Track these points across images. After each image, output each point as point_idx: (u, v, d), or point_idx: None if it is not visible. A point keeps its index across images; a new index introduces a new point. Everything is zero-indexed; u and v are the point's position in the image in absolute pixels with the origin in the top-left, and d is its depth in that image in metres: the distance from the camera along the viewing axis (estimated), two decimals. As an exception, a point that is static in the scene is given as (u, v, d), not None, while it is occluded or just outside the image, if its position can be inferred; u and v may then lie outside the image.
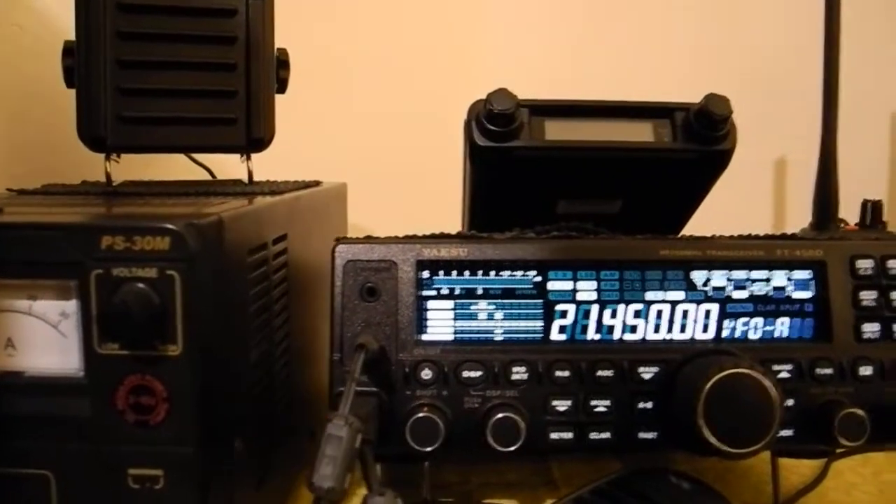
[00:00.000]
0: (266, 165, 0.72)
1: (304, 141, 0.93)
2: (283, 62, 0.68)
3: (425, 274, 0.51)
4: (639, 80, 1.00)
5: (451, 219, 0.73)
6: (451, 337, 0.50)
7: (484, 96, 0.57)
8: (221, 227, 0.42)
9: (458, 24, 1.03)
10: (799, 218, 0.85)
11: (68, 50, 0.64)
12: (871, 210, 0.77)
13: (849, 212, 0.81)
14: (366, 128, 1.02)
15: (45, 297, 0.41)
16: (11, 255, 0.40)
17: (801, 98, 0.88)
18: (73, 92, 0.63)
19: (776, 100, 1.00)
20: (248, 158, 0.67)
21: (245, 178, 0.69)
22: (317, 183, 0.74)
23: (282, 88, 0.69)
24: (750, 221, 0.76)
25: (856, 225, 0.78)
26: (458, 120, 0.60)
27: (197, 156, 0.77)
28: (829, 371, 0.50)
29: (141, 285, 0.39)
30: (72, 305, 0.41)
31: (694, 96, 0.59)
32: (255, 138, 0.66)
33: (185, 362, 0.40)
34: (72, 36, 0.63)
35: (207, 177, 0.79)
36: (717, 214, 0.69)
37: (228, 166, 0.73)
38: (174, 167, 0.77)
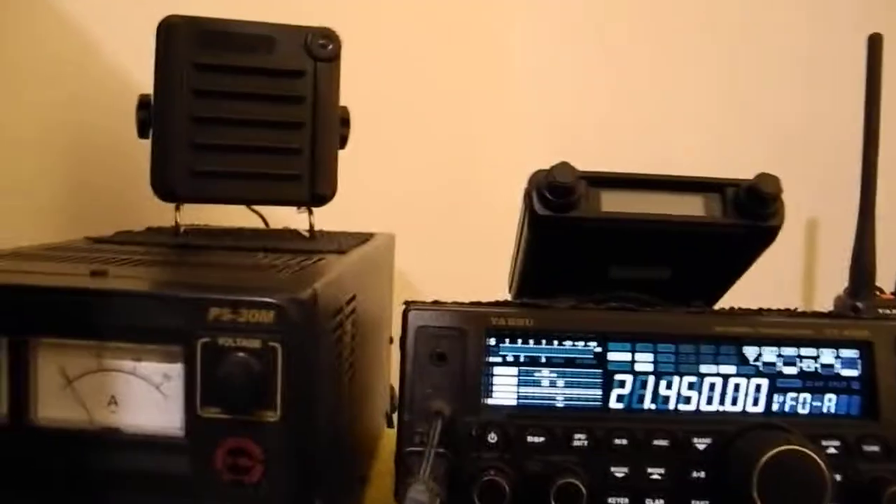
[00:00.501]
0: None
1: (355, 191, 0.96)
2: (345, 120, 0.71)
3: (492, 341, 0.53)
4: (673, 143, 1.03)
5: (489, 268, 0.75)
6: (514, 402, 0.53)
7: (533, 159, 0.59)
8: (316, 299, 0.45)
9: (504, 82, 1.07)
10: (832, 282, 0.87)
11: (143, 104, 0.67)
12: (908, 279, 0.80)
13: (882, 280, 0.83)
14: (409, 178, 1.05)
15: (150, 360, 0.44)
16: (119, 321, 0.43)
17: (833, 159, 0.90)
18: (136, 141, 0.66)
19: (809, 160, 1.03)
20: (311, 213, 0.70)
21: (296, 226, 0.71)
22: (370, 235, 0.77)
23: (342, 145, 0.72)
24: (782, 284, 0.79)
25: (892, 293, 0.80)
26: (496, 176, 0.63)
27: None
28: (876, 448, 0.53)
29: (243, 354, 0.42)
30: (176, 368, 0.43)
31: (728, 159, 0.61)
32: (318, 194, 0.69)
33: (282, 427, 0.42)
34: (138, 89, 0.66)
35: (261, 222, 0.82)
36: (750, 277, 0.72)
37: (279, 212, 0.76)
38: (230, 210, 0.80)
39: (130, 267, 0.52)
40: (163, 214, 0.71)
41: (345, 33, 0.70)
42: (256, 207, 0.82)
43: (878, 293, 0.80)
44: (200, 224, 0.78)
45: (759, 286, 0.66)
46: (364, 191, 1.02)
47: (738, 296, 0.65)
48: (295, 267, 0.53)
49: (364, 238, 0.74)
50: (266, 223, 0.82)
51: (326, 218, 0.80)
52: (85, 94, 0.82)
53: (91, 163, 0.83)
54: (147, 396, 0.44)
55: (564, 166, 0.59)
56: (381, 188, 1.03)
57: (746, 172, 0.60)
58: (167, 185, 0.66)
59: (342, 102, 0.72)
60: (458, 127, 1.06)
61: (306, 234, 0.71)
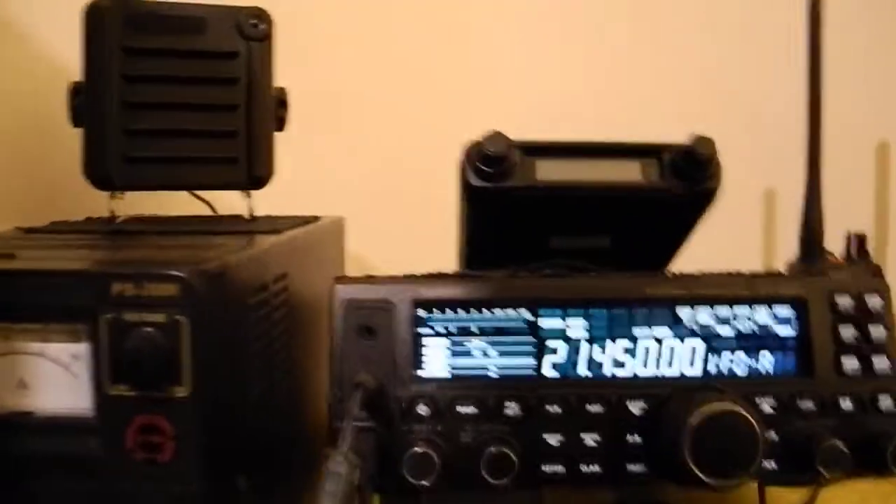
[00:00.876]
0: (267, 200, 0.74)
1: (303, 176, 0.95)
2: (282, 101, 0.71)
3: (421, 312, 0.52)
4: (627, 117, 1.02)
5: (447, 250, 0.75)
6: (447, 374, 0.52)
7: (477, 136, 0.58)
8: (226, 272, 0.44)
9: (455, 61, 1.06)
10: (789, 251, 0.87)
11: (75, 90, 0.66)
12: (856, 242, 0.79)
13: (836, 243, 0.83)
14: (364, 162, 1.04)
15: (58, 340, 0.43)
16: (25, 300, 0.42)
17: (789, 130, 0.90)
18: (76, 130, 0.65)
19: (765, 132, 1.03)
20: (249, 196, 0.69)
21: (245, 212, 0.71)
22: (315, 218, 0.76)
23: (280, 127, 0.71)
24: (740, 253, 0.78)
25: (842, 257, 0.80)
26: (450, 152, 0.62)
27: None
28: (810, 405, 0.52)
29: (150, 330, 0.41)
30: (83, 348, 0.42)
31: (684, 132, 0.61)
32: (256, 176, 0.68)
33: (193, 403, 0.42)
34: (76, 75, 0.65)
35: (209, 211, 0.81)
36: (707, 248, 0.71)
37: (229, 200, 0.75)
38: (176, 200, 0.79)
39: (48, 251, 0.51)
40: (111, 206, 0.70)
41: (287, 12, 0.69)
42: (204, 196, 0.81)
43: (828, 257, 0.79)
44: (144, 215, 0.77)
45: (718, 259, 0.66)
46: (317, 175, 1.02)
47: (695, 268, 0.64)
48: (217, 245, 0.52)
49: (307, 220, 0.73)
50: (214, 210, 0.81)
51: (279, 205, 0.79)
52: (18, 84, 0.81)
53: (27, 154, 0.82)
54: (56, 378, 0.43)
55: (496, 135, 0.58)
56: (336, 172, 1.03)
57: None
58: (101, 172, 0.65)
59: (289, 84, 0.71)
60: (413, 108, 1.05)
61: (248, 219, 0.70)
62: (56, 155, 0.76)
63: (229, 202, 0.76)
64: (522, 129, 0.60)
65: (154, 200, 0.81)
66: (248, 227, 0.65)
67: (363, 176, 1.04)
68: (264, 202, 0.74)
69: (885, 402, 0.53)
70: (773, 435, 0.52)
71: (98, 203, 0.69)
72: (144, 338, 0.41)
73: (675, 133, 0.61)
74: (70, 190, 0.72)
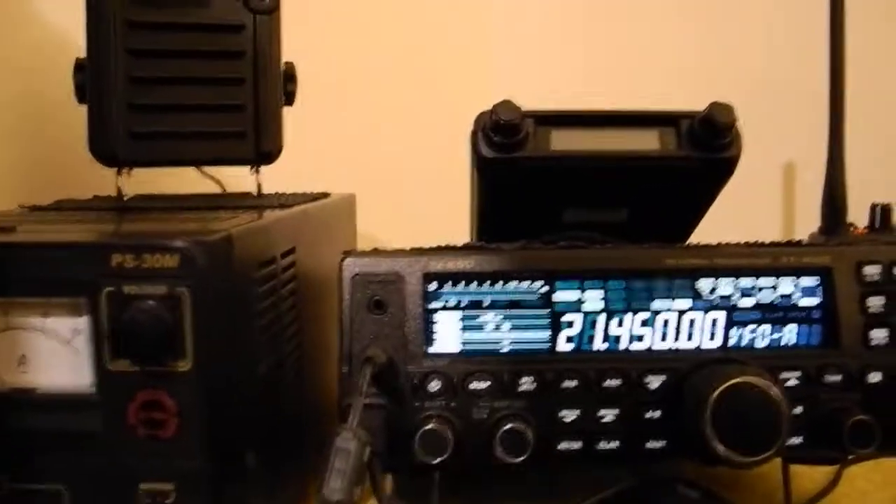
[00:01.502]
0: (277, 178, 0.72)
1: (314, 153, 0.94)
2: (290, 76, 0.69)
3: (432, 286, 0.51)
4: (646, 88, 1.00)
5: (461, 227, 0.73)
6: (458, 348, 0.51)
7: (490, 107, 0.57)
8: (230, 244, 0.43)
9: (466, 34, 1.04)
10: (808, 223, 0.85)
11: (79, 66, 0.65)
12: (881, 214, 0.77)
13: (860, 215, 0.81)
14: (375, 138, 1.03)
15: (58, 315, 0.42)
16: (24, 274, 0.41)
17: (810, 102, 0.87)
18: (84, 108, 0.64)
19: (785, 104, 1.00)
20: (257, 171, 0.68)
21: (255, 190, 0.69)
22: (325, 195, 0.74)
23: (289, 101, 0.69)
24: (759, 227, 0.76)
25: (865, 229, 0.78)
26: (465, 127, 0.61)
27: (208, 169, 0.77)
28: (837, 378, 0.50)
29: (151, 302, 0.40)
30: (84, 322, 0.41)
31: (702, 103, 0.59)
32: (264, 151, 0.67)
33: (195, 377, 0.40)
34: (82, 52, 0.64)
35: (218, 190, 0.80)
36: (726, 221, 0.69)
37: (239, 179, 0.74)
38: (186, 180, 0.78)
39: (49, 225, 0.50)
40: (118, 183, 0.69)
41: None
42: (212, 174, 0.80)
43: (851, 229, 0.77)
44: (152, 193, 0.75)
45: (736, 234, 0.64)
46: (328, 152, 1.00)
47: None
48: (221, 219, 0.51)
49: (316, 197, 0.71)
50: (223, 188, 0.79)
51: (291, 182, 0.78)
52: (21, 60, 0.80)
53: (34, 132, 0.81)
54: (57, 353, 0.42)
55: (508, 104, 0.56)
56: (347, 149, 1.01)
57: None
58: (106, 148, 0.64)
59: (296, 60, 0.69)
60: (425, 81, 1.03)
61: (256, 195, 0.69)
62: (64, 133, 0.74)
63: (240, 181, 0.75)
64: (538, 101, 0.59)
65: (163, 180, 0.80)
66: (256, 202, 0.64)
67: (375, 152, 1.02)
68: (275, 180, 0.73)
69: (915, 375, 0.51)
70: (798, 410, 0.50)
71: (108, 182, 0.68)
72: (144, 311, 0.39)
73: (693, 105, 0.59)
74: (80, 169, 0.71)
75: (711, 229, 0.66)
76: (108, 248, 0.40)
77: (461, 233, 0.70)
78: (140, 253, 0.40)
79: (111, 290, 0.40)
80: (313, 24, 0.99)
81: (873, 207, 0.78)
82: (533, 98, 0.59)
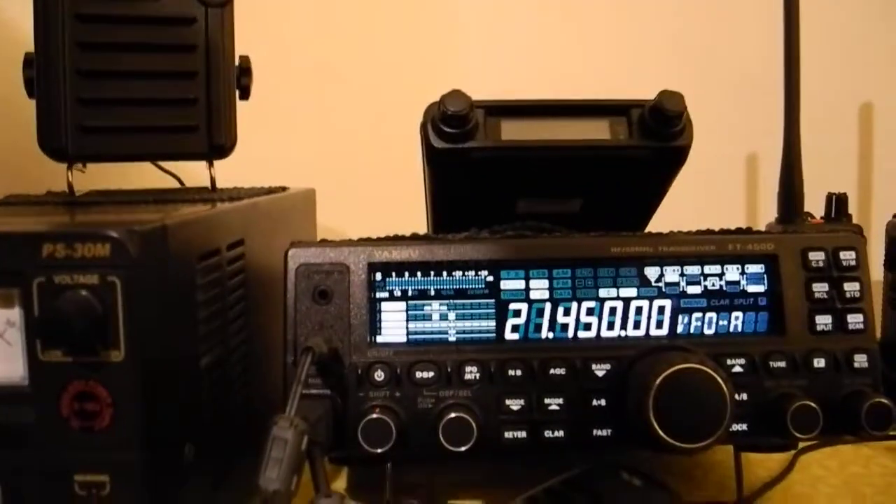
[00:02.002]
0: (236, 173, 0.72)
1: (274, 148, 0.94)
2: (244, 69, 0.69)
3: (377, 276, 0.51)
4: (603, 80, 1.00)
5: (421, 220, 0.73)
6: (404, 338, 0.51)
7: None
8: (165, 233, 0.42)
9: (424, 26, 1.04)
10: (771, 214, 0.85)
11: (28, 61, 0.64)
12: (836, 203, 0.77)
13: (819, 205, 0.81)
14: (336, 132, 1.02)
15: (-10, 306, 0.41)
16: (-45, 266, 0.41)
17: (771, 93, 0.88)
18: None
19: (748, 95, 1.01)
20: (211, 165, 0.68)
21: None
22: (282, 189, 0.74)
23: (244, 95, 0.69)
24: (723, 218, 0.76)
25: (821, 218, 0.78)
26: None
27: (166, 164, 0.77)
28: (782, 364, 0.51)
29: (82, 292, 0.39)
30: (16, 313, 0.41)
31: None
32: (217, 145, 0.66)
33: (129, 368, 0.40)
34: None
35: (176, 185, 0.79)
36: (690, 212, 0.69)
37: (198, 174, 0.73)
38: (147, 176, 0.78)
39: (-11, 218, 0.49)
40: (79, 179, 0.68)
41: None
42: (172, 169, 0.79)
43: (808, 218, 0.77)
44: (105, 189, 0.75)
45: (699, 225, 0.64)
46: (288, 148, 1.00)
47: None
48: (168, 209, 0.50)
49: (272, 190, 0.71)
50: (182, 183, 0.79)
51: (252, 179, 0.78)
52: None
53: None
54: (-9, 345, 0.41)
55: (456, 94, 0.56)
56: (306, 145, 1.01)
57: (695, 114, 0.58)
58: (56, 143, 0.63)
59: (252, 53, 0.69)
60: (379, 74, 1.03)
61: (210, 190, 0.68)
62: (18, 128, 0.74)
63: (200, 177, 0.74)
64: (489, 93, 0.58)
65: (122, 177, 0.80)
66: (209, 196, 0.63)
67: (336, 147, 1.02)
68: (236, 176, 0.73)
69: (859, 360, 0.51)
70: (743, 396, 0.50)
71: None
72: (75, 300, 0.39)
73: (651, 95, 0.60)
74: (37, 165, 0.70)
75: (675, 221, 0.66)
76: (39, 237, 0.39)
77: (422, 227, 0.70)
78: (71, 242, 0.39)
79: (42, 280, 0.40)
80: (271, 18, 0.99)
81: (829, 197, 0.78)
82: (491, 89, 0.59)
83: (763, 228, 0.75)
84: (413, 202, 0.82)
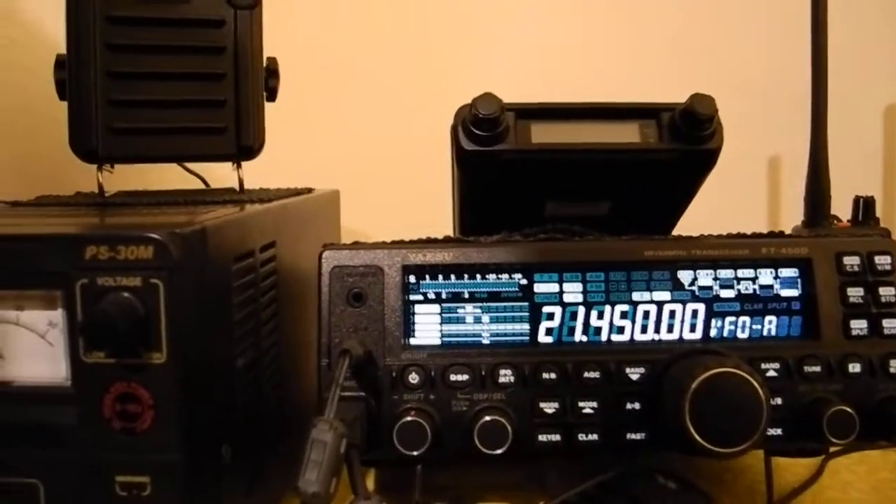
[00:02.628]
0: (261, 174, 0.72)
1: (298, 149, 0.94)
2: (272, 71, 0.69)
3: (412, 278, 0.51)
4: (629, 82, 1.00)
5: (446, 222, 0.73)
6: (438, 341, 0.51)
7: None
8: (205, 236, 0.42)
9: (450, 29, 1.04)
10: (794, 216, 0.85)
11: (60, 63, 0.64)
12: (863, 206, 0.77)
13: (844, 209, 0.81)
14: (360, 134, 1.02)
15: (33, 307, 0.41)
16: (-2, 266, 0.41)
17: (794, 95, 0.87)
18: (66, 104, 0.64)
19: (770, 97, 1.00)
20: (239, 167, 0.68)
21: (238, 186, 0.69)
22: (308, 190, 0.74)
23: (271, 97, 0.69)
24: (745, 220, 0.76)
25: (848, 221, 0.78)
26: (448, 122, 0.61)
27: (191, 165, 0.77)
28: (817, 369, 0.50)
29: (125, 294, 0.40)
30: (59, 315, 0.41)
31: (685, 97, 0.59)
32: (245, 146, 0.66)
33: (170, 369, 0.40)
34: (63, 49, 0.64)
35: (202, 186, 0.79)
36: (711, 214, 0.69)
37: (225, 175, 0.74)
38: (169, 177, 0.78)
39: (26, 219, 0.50)
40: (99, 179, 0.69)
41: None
42: (197, 170, 0.79)
43: (834, 222, 0.77)
44: (134, 189, 0.75)
45: (721, 228, 0.64)
46: (313, 150, 1.00)
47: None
48: (199, 212, 0.51)
49: (299, 192, 0.71)
50: (207, 184, 0.79)
51: (276, 180, 0.78)
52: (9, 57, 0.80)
53: (18, 130, 0.80)
54: (33, 347, 0.42)
55: (488, 97, 0.56)
56: (331, 146, 1.01)
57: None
58: (86, 144, 0.64)
59: (278, 55, 0.69)
60: (406, 76, 1.03)
61: (238, 191, 0.69)
62: (49, 130, 0.74)
63: (225, 179, 0.75)
64: (519, 95, 0.59)
65: (148, 178, 0.80)
66: (237, 197, 0.64)
67: (359, 149, 1.02)
68: (260, 177, 0.73)
69: (895, 365, 0.51)
70: (777, 401, 0.50)
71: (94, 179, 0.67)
72: (118, 302, 0.39)
73: (679, 100, 0.59)
74: (66, 166, 0.70)
75: (697, 223, 0.66)
76: (82, 239, 0.40)
77: (445, 229, 0.70)
78: (114, 244, 0.40)
79: (85, 282, 0.40)
80: (297, 20, 0.99)
81: (856, 200, 0.78)
82: (516, 92, 0.59)
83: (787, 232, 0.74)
84: (434, 204, 0.83)
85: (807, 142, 0.81)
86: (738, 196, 0.96)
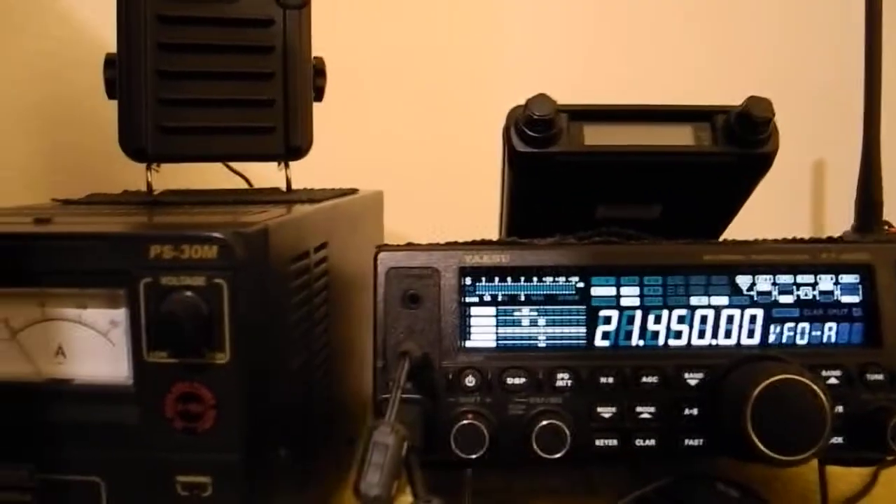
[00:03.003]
0: (304, 174, 0.72)
1: (341, 149, 0.94)
2: (319, 71, 0.69)
3: (468, 280, 0.50)
4: (678, 84, 0.99)
5: (486, 224, 0.73)
6: (494, 344, 0.50)
7: (521, 101, 0.56)
8: (267, 236, 0.42)
9: (494, 30, 1.03)
10: (839, 222, 0.84)
11: (109, 62, 0.65)
12: (917, 212, 0.76)
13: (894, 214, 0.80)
14: (402, 135, 1.02)
15: (95, 306, 0.41)
16: (61, 265, 0.41)
17: (839, 99, 0.86)
18: (114, 103, 0.64)
19: (814, 101, 0.99)
20: (287, 167, 0.68)
21: (282, 186, 0.69)
22: (354, 191, 0.74)
23: (319, 97, 0.69)
24: (789, 225, 0.75)
25: (902, 227, 0.77)
26: (491, 124, 0.60)
27: (234, 165, 0.77)
28: (879, 377, 0.50)
29: (189, 293, 0.40)
30: (121, 314, 0.41)
31: (734, 100, 0.58)
32: (294, 146, 0.66)
33: (233, 370, 0.40)
34: (111, 48, 0.64)
35: (244, 185, 0.79)
36: (755, 219, 0.68)
37: (266, 175, 0.74)
38: (211, 175, 0.78)
39: (84, 217, 0.50)
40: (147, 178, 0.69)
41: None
42: (239, 170, 0.79)
43: (886, 227, 0.76)
44: (181, 188, 0.75)
45: (765, 233, 0.63)
46: (355, 149, 1.00)
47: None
48: (255, 212, 0.50)
49: (345, 192, 0.71)
50: (250, 184, 0.79)
51: (317, 179, 0.78)
52: (51, 58, 0.80)
53: (67, 128, 0.81)
54: (94, 345, 0.42)
55: (542, 98, 0.56)
56: (375, 146, 1.01)
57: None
58: (135, 143, 0.64)
59: (326, 55, 0.69)
60: (452, 77, 1.03)
61: (285, 191, 0.69)
62: (95, 129, 0.74)
63: (267, 178, 0.75)
64: (568, 97, 0.58)
65: (191, 177, 0.80)
66: (285, 197, 0.64)
67: (401, 149, 1.02)
68: (302, 176, 0.73)
69: (958, 373, 0.50)
70: (838, 409, 0.49)
71: (139, 179, 0.67)
72: (183, 301, 0.39)
73: (724, 102, 0.59)
74: (111, 166, 0.71)
75: (741, 226, 0.65)
76: (146, 238, 0.40)
77: (486, 230, 0.70)
78: (178, 244, 0.39)
79: (149, 281, 0.40)
80: (343, 20, 0.99)
81: (908, 206, 0.77)
82: (561, 90, 0.58)
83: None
84: (476, 206, 0.82)
85: (851, 147, 0.80)
86: (782, 200, 0.95)
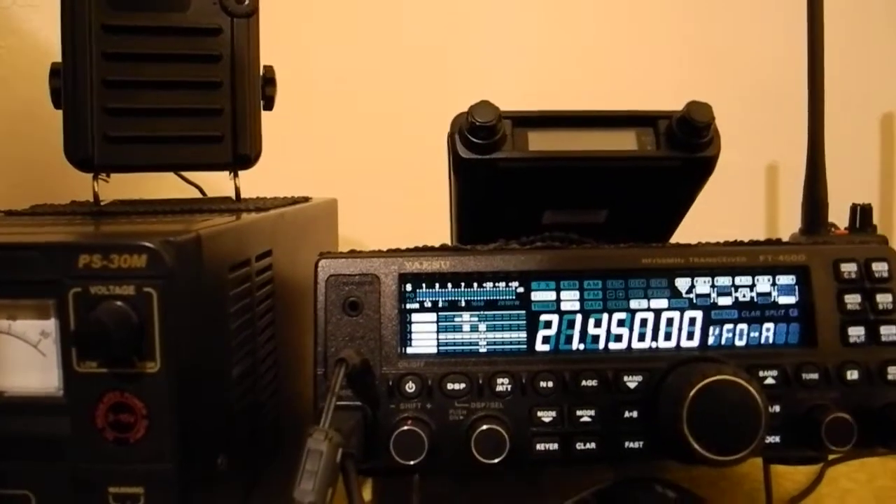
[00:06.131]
0: (259, 183, 0.72)
1: (295, 158, 0.94)
2: (269, 79, 0.69)
3: (408, 287, 0.51)
4: (626, 90, 1.00)
5: (444, 231, 0.73)
6: (434, 350, 0.50)
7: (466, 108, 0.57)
8: (199, 244, 0.42)
9: (446, 37, 1.04)
10: (792, 224, 0.85)
11: (55, 71, 0.64)
12: (860, 214, 0.77)
13: (841, 216, 0.81)
14: (357, 143, 1.02)
15: (25, 317, 0.41)
16: (-9, 276, 0.41)
17: (792, 103, 0.87)
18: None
19: (767, 105, 1.00)
20: (236, 176, 0.67)
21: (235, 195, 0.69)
22: (306, 199, 0.74)
23: (269, 105, 0.69)
24: (743, 228, 0.76)
25: (845, 229, 0.78)
26: (446, 130, 0.60)
27: (188, 174, 0.77)
28: (815, 376, 0.50)
29: (118, 303, 0.39)
30: (51, 324, 0.41)
31: (683, 105, 0.59)
32: (242, 155, 0.66)
33: (164, 379, 0.40)
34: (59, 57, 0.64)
35: (198, 195, 0.79)
36: (709, 222, 0.69)
37: (221, 185, 0.74)
38: (167, 186, 0.78)
39: (20, 228, 0.50)
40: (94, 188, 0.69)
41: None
42: (194, 179, 0.79)
43: (832, 229, 0.77)
44: (130, 199, 0.75)
45: (719, 234, 0.64)
46: (309, 159, 1.00)
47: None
48: (199, 220, 0.50)
49: (296, 200, 0.71)
50: (204, 193, 0.79)
51: (273, 188, 0.78)
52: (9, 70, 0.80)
53: (16, 139, 0.80)
54: (25, 356, 0.41)
55: (485, 105, 0.56)
56: (329, 155, 1.01)
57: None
58: (82, 153, 0.63)
59: (275, 63, 0.69)
60: (402, 85, 1.03)
61: (235, 200, 0.68)
62: (44, 139, 0.74)
63: (222, 188, 0.74)
64: (516, 103, 0.58)
65: (144, 187, 0.80)
66: (234, 206, 0.64)
67: (357, 158, 1.02)
68: (258, 186, 0.73)
69: (893, 372, 0.51)
70: (775, 408, 0.49)
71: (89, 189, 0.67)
72: (112, 310, 0.39)
73: (672, 107, 0.59)
74: (62, 176, 0.70)
75: (694, 231, 0.66)
76: (75, 248, 0.40)
77: (445, 236, 0.70)
78: (107, 253, 0.39)
79: (78, 291, 0.40)
80: (294, 28, 0.99)
81: (853, 208, 0.78)
82: (512, 100, 0.58)
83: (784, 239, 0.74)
84: (432, 212, 0.83)
85: (804, 150, 0.81)
86: (735, 204, 0.96)
